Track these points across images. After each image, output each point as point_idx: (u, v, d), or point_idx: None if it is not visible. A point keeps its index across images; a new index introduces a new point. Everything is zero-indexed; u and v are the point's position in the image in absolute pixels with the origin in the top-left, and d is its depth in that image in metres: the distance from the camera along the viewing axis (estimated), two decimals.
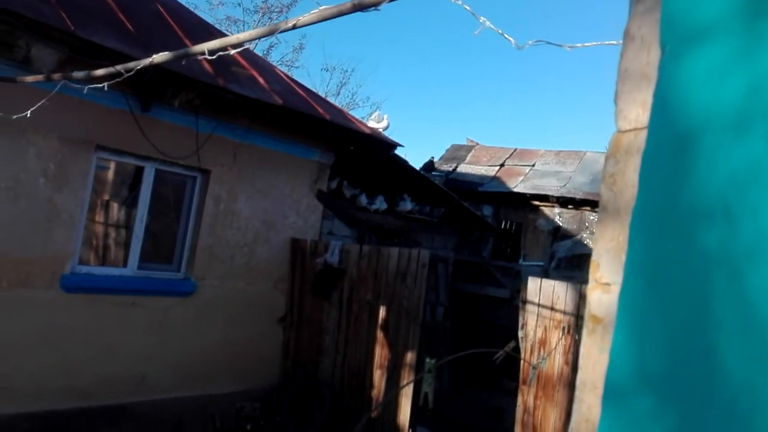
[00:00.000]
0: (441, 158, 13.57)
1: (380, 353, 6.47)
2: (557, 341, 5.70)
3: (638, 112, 0.92)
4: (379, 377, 6.44)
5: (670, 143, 0.70)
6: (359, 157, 8.03)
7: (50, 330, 5.24)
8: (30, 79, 4.12)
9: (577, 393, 0.92)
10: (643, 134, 0.88)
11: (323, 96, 10.65)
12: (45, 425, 5.12)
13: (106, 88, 3.39)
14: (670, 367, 0.65)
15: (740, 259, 0.60)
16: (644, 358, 0.68)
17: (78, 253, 5.52)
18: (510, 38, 2.05)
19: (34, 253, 5.12)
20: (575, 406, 0.93)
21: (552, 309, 5.81)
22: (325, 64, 29.49)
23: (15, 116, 4.09)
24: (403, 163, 8.36)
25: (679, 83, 0.70)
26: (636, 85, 0.94)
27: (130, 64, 3.29)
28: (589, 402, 0.90)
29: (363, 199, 8.31)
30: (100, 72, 3.42)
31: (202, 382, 6.34)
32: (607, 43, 2.16)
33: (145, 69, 3.43)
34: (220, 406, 6.45)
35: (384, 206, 8.60)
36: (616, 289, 0.86)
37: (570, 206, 10.74)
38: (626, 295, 0.73)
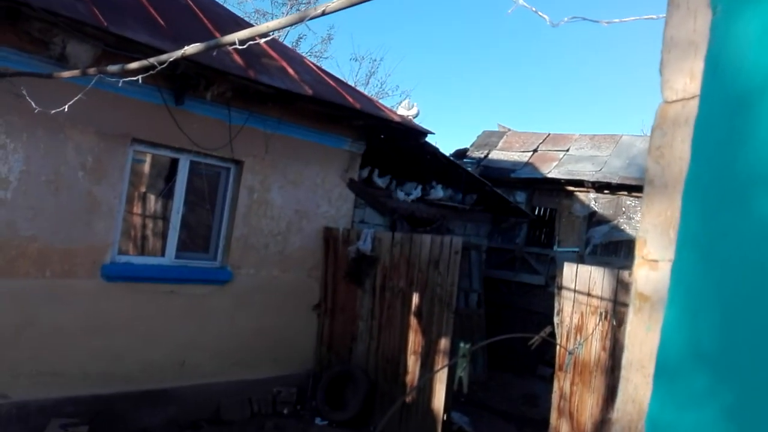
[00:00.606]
0: (472, 145, 13.44)
1: (414, 340, 6.48)
2: (594, 327, 5.62)
3: (685, 82, 0.88)
4: (413, 363, 6.45)
5: (724, 109, 0.66)
6: (390, 146, 8.01)
7: (93, 317, 5.40)
8: (66, 74, 4.21)
9: (623, 373, 0.89)
10: (691, 104, 0.85)
11: (353, 85, 10.65)
12: (89, 408, 5.29)
13: (140, 82, 3.44)
14: (726, 344, 0.62)
15: None
16: (699, 335, 0.65)
17: (117, 243, 5.66)
18: (544, 16, 2.00)
19: (76, 244, 5.27)
20: (621, 386, 0.90)
21: (589, 295, 5.71)
22: (353, 54, 29.53)
23: (53, 111, 4.18)
24: (433, 151, 8.30)
25: (732, 46, 0.67)
26: (683, 53, 0.90)
27: (163, 57, 3.33)
28: (636, 382, 0.87)
29: (394, 187, 8.30)
30: (133, 65, 3.47)
31: (240, 368, 6.46)
32: (646, 17, 2.09)
33: (177, 62, 3.48)
34: (257, 391, 6.57)
35: (416, 194, 8.57)
36: (664, 266, 0.83)
37: (606, 191, 10.52)
38: (679, 271, 0.70)
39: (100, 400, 5.41)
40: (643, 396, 0.85)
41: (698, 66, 0.83)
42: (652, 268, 0.87)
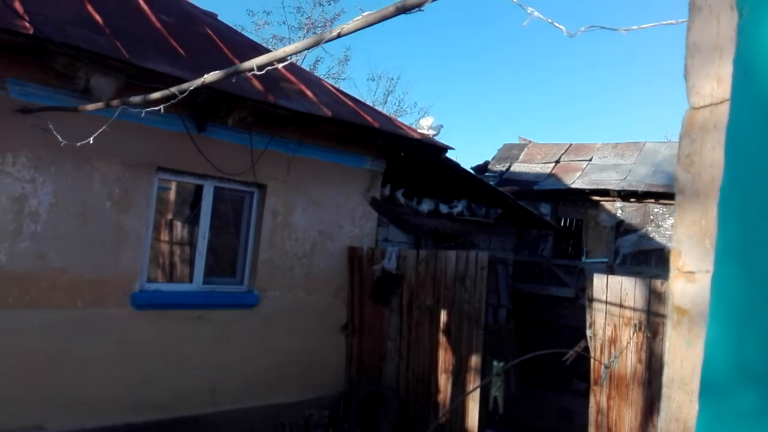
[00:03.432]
0: (494, 158, 13.38)
1: (444, 358, 6.40)
2: (628, 339, 5.48)
3: (712, 87, 0.85)
4: (444, 381, 6.37)
5: (757, 112, 0.63)
6: (411, 163, 8.01)
7: (124, 346, 5.45)
8: (91, 107, 4.31)
9: (665, 390, 0.85)
10: (720, 109, 0.82)
11: (371, 105, 10.71)
12: None
13: (162, 111, 3.50)
14: None
15: None
16: (744, 351, 0.62)
17: (146, 271, 5.72)
18: (561, 27, 1.98)
19: (106, 274, 5.34)
20: (663, 405, 0.86)
21: (621, 306, 5.59)
22: (370, 74, 29.75)
23: (79, 144, 4.27)
24: (454, 166, 8.28)
25: (762, 47, 0.64)
26: (707, 58, 0.87)
27: (184, 86, 3.38)
28: (679, 400, 0.83)
29: (416, 204, 8.28)
30: (155, 95, 3.54)
31: (270, 392, 6.44)
32: (665, 23, 2.06)
33: (198, 90, 3.53)
34: (289, 415, 6.54)
35: (439, 210, 8.54)
36: (701, 278, 0.79)
37: (632, 199, 10.36)
38: (719, 283, 0.67)
39: (133, 429, 5.44)
40: (687, 415, 0.81)
41: (724, 70, 0.81)
42: (689, 279, 0.83)
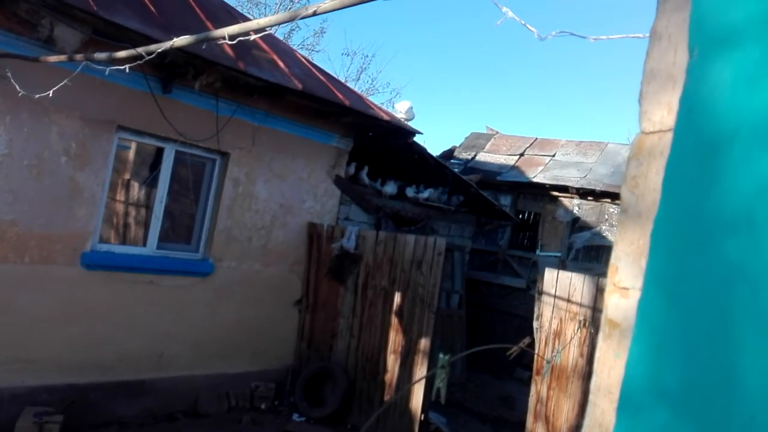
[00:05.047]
0: (460, 146, 13.48)
1: (394, 339, 6.50)
2: (573, 333, 5.67)
3: (663, 114, 0.89)
4: (393, 362, 6.47)
5: (695, 149, 0.67)
6: (378, 144, 8.00)
7: (71, 306, 5.35)
8: (53, 59, 4.15)
9: (591, 397, 0.91)
10: (668, 137, 0.86)
11: (343, 81, 10.61)
12: (64, 397, 5.24)
13: (127, 70, 3.41)
14: (688, 381, 0.63)
15: (764, 273, 0.58)
16: (661, 370, 0.67)
17: (99, 231, 5.60)
18: (533, 29, 2.01)
19: (56, 230, 5.21)
20: (588, 409, 0.92)
21: (568, 301, 5.77)
22: (346, 49, 29.36)
23: (38, 95, 4.13)
24: (421, 151, 8.32)
25: (707, 88, 0.68)
26: (661, 86, 0.91)
27: (152, 47, 3.30)
28: (603, 407, 0.88)
29: (380, 186, 8.30)
30: (121, 54, 3.44)
31: (219, 361, 6.44)
32: (632, 36, 2.11)
33: (166, 51, 3.45)
34: (235, 385, 6.55)
35: (403, 193, 8.59)
36: (634, 294, 0.84)
37: (590, 198, 10.62)
38: (645, 304, 0.71)
39: (76, 390, 5.36)
40: (610, 422, 0.86)
41: (676, 100, 0.85)
42: (623, 295, 0.88)
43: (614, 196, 10.21)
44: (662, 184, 0.74)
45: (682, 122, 0.73)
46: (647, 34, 1.04)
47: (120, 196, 6.31)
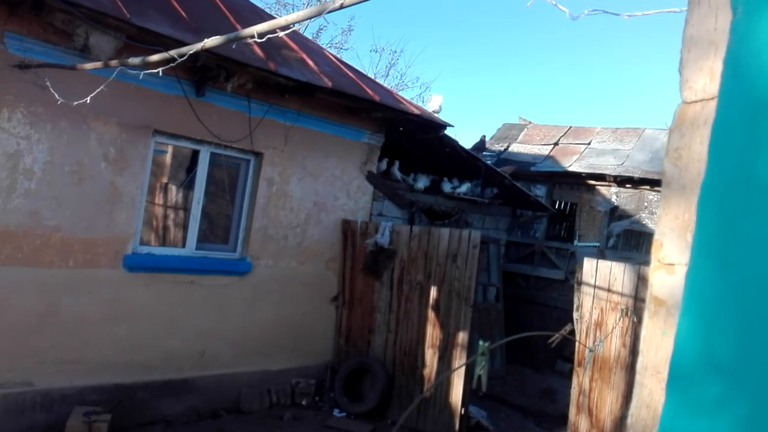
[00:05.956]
0: (492, 138, 13.34)
1: (432, 333, 6.48)
2: (614, 323, 5.56)
3: (705, 82, 0.86)
4: (431, 356, 6.46)
5: (743, 113, 0.64)
6: (409, 138, 7.98)
7: (115, 307, 5.49)
8: (89, 66, 4.26)
9: (638, 377, 0.88)
10: (711, 105, 0.82)
11: (372, 77, 10.62)
12: (111, 397, 5.39)
13: (161, 74, 3.47)
14: (741, 353, 0.61)
15: None
16: (713, 343, 0.64)
17: (139, 233, 5.73)
18: (564, 9, 1.97)
19: (98, 234, 5.35)
20: (635, 391, 0.89)
21: (609, 290, 5.65)
22: (373, 46, 29.38)
23: (76, 103, 4.24)
24: (452, 144, 8.25)
25: (753, 48, 0.65)
26: (703, 52, 0.88)
27: (183, 49, 3.35)
28: (651, 387, 0.86)
29: (413, 180, 8.28)
30: (154, 58, 3.51)
31: (259, 358, 6.53)
32: (668, 10, 2.05)
33: (197, 54, 3.50)
34: (276, 382, 6.64)
35: (436, 187, 8.54)
36: (680, 270, 0.81)
37: (628, 185, 10.38)
38: (694, 277, 0.69)
39: (122, 389, 5.51)
40: (658, 402, 0.83)
41: (719, 66, 0.81)
42: (669, 271, 0.85)
43: (654, 183, 9.95)
44: (708, 153, 0.71)
45: (727, 86, 0.70)
46: (684, 8, 1.00)
47: (158, 199, 6.45)
